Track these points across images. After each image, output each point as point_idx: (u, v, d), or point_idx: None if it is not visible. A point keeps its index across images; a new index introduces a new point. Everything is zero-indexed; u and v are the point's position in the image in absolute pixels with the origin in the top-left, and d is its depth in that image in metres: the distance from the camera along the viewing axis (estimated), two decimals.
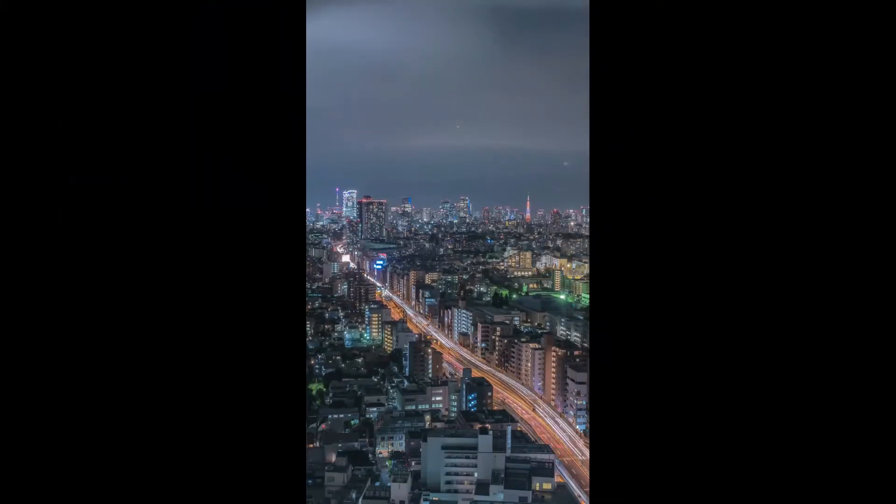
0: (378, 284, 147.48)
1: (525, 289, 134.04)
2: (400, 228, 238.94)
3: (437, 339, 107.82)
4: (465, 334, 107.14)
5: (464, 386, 76.60)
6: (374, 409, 71.09)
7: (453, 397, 75.94)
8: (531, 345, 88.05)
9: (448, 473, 54.93)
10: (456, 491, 54.31)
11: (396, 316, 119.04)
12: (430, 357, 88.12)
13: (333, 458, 54.88)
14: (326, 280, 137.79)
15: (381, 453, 61.74)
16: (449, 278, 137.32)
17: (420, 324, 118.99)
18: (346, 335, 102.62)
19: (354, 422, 67.80)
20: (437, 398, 75.48)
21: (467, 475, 54.78)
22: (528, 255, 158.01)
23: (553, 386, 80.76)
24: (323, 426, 65.60)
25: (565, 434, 72.26)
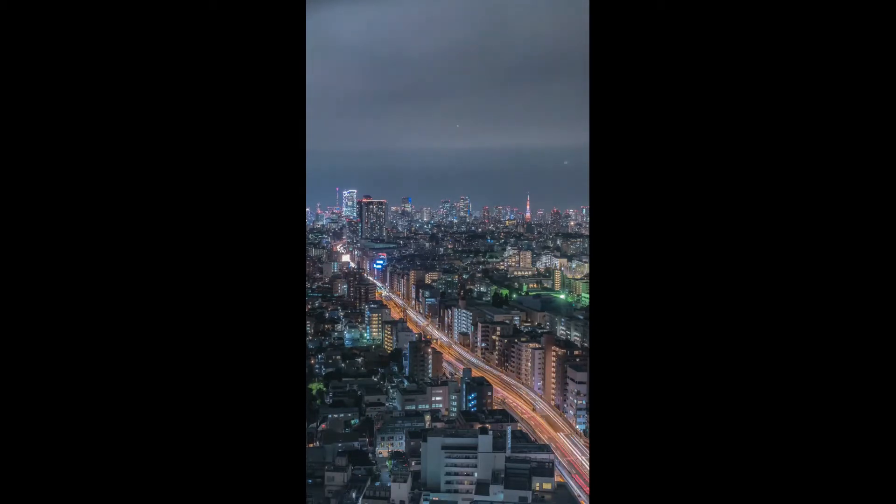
0: (378, 284, 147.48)
1: (525, 288, 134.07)
2: (400, 228, 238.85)
3: (436, 339, 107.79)
4: (465, 334, 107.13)
5: (464, 386, 76.57)
6: (374, 408, 71.10)
7: (453, 397, 75.91)
8: (531, 344, 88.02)
9: (448, 473, 54.90)
10: (456, 491, 54.28)
11: (396, 316, 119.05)
12: (430, 357, 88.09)
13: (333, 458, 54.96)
14: (326, 280, 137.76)
15: (381, 453, 61.73)
16: (449, 278, 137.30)
17: (420, 323, 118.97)
18: (346, 335, 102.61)
19: (354, 422, 67.76)
20: (437, 398, 75.46)
21: (467, 475, 54.75)
22: (528, 254, 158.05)
23: (553, 385, 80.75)
24: (323, 426, 65.58)
25: (563, 433, 72.27)
